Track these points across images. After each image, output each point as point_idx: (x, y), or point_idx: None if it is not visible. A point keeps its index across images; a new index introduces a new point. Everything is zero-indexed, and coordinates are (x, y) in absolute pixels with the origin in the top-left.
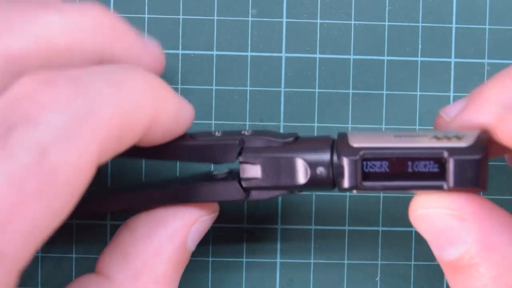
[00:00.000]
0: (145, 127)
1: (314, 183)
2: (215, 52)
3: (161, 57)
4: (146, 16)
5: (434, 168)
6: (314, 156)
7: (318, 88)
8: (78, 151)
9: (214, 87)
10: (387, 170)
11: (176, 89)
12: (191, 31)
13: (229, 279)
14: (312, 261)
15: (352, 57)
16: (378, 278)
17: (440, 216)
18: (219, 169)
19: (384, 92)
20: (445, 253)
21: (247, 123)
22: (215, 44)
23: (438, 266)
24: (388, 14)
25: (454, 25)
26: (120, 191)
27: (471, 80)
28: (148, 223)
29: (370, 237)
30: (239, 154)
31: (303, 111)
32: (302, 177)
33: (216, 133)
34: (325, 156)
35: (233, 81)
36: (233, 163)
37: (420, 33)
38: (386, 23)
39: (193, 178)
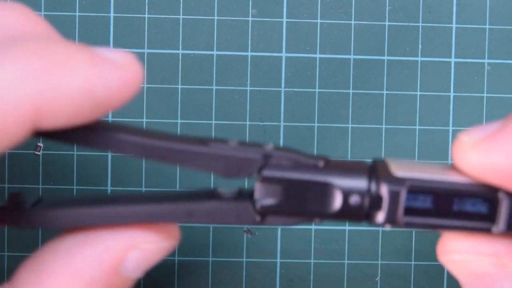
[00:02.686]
0: (26, 120)
1: (344, 213)
2: (215, 52)
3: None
4: (146, 16)
5: (482, 208)
6: (350, 183)
7: (318, 88)
8: None
9: (214, 87)
10: (431, 206)
11: (176, 89)
12: (191, 31)
13: (229, 279)
14: (312, 261)
15: (352, 57)
16: (378, 278)
17: (478, 263)
18: (224, 186)
19: (384, 92)
20: None
21: (247, 123)
22: (215, 44)
23: (438, 266)
24: (388, 14)
25: (454, 25)
26: (81, 203)
27: (471, 80)
28: (77, 240)
29: (370, 237)
30: (260, 170)
31: (303, 111)
32: (332, 206)
33: (231, 143)
34: (362, 184)
35: (233, 81)
36: (246, 179)
37: (420, 33)
38: (386, 23)
39: (191, 194)
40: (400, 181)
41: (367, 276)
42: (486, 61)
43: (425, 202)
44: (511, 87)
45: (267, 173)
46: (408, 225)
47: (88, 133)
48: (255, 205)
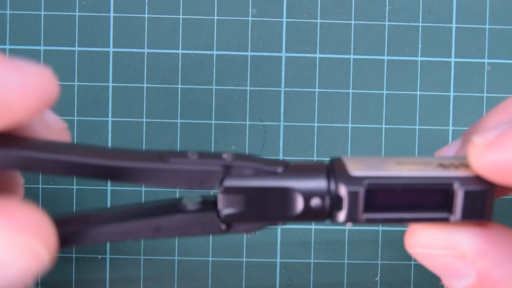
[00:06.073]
0: None
1: (307, 215)
2: (215, 52)
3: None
4: (146, 16)
5: (439, 198)
6: (309, 186)
7: (318, 88)
8: None
9: (214, 87)
10: (389, 201)
11: (175, 89)
12: (191, 31)
13: (229, 279)
14: (312, 261)
15: (352, 57)
16: (378, 278)
17: (440, 256)
18: (187, 197)
19: (384, 92)
20: (450, 283)
21: (247, 123)
22: (215, 44)
23: None
24: (388, 14)
25: (454, 25)
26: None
27: (471, 80)
28: None
29: (370, 237)
30: (221, 181)
31: (303, 111)
32: (294, 209)
33: (191, 155)
34: (321, 186)
35: (233, 81)
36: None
37: (420, 33)
38: (386, 23)
39: (156, 208)
40: (358, 180)
41: (367, 276)
42: (486, 61)
43: (383, 198)
44: (511, 87)
45: (228, 183)
46: (369, 221)
47: None
48: (219, 215)
